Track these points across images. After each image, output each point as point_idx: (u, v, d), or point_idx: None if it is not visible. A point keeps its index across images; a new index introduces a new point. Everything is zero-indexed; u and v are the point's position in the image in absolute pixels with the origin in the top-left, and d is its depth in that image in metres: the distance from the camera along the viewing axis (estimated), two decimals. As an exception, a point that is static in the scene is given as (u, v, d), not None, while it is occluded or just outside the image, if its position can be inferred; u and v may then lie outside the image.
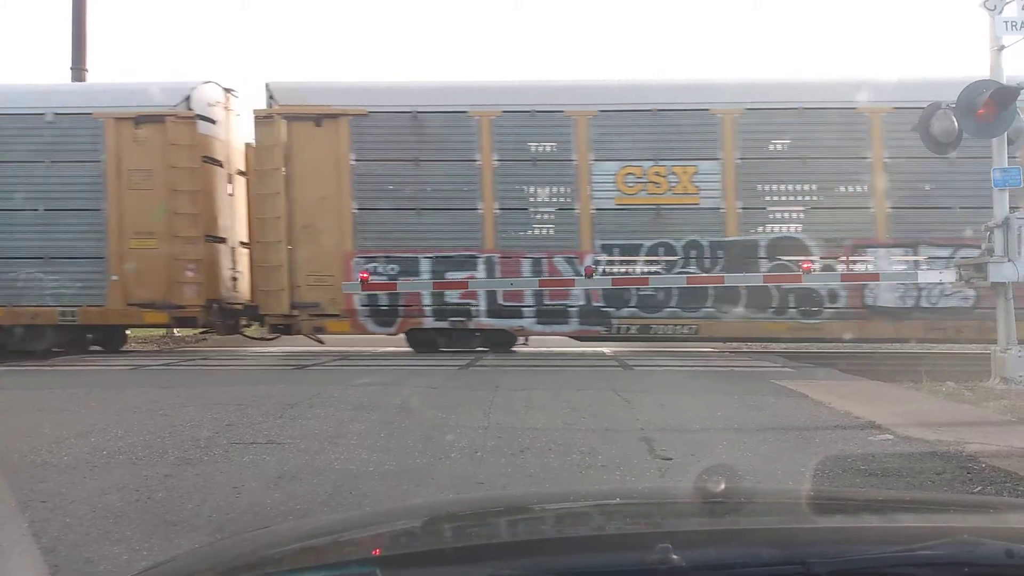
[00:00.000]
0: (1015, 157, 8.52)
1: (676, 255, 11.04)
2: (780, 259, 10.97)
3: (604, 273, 10.91)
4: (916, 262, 10.82)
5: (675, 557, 1.12)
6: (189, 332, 14.28)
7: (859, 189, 10.98)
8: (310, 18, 50.56)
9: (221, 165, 11.98)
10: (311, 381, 8.39)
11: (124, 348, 12.98)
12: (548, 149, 11.14)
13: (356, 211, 11.17)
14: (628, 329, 11.27)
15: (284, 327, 11.54)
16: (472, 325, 11.34)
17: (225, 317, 12.04)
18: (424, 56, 49.96)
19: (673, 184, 11.07)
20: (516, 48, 50.64)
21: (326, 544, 1.51)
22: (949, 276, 9.14)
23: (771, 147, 11.03)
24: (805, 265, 10.09)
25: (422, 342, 11.60)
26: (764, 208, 11.03)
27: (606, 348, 12.50)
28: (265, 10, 50.96)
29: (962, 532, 1.28)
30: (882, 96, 10.91)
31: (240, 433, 5.31)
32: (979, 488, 3.96)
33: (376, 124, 11.20)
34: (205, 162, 11.56)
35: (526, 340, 11.95)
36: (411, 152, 11.15)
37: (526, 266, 11.17)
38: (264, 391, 7.27)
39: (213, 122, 11.76)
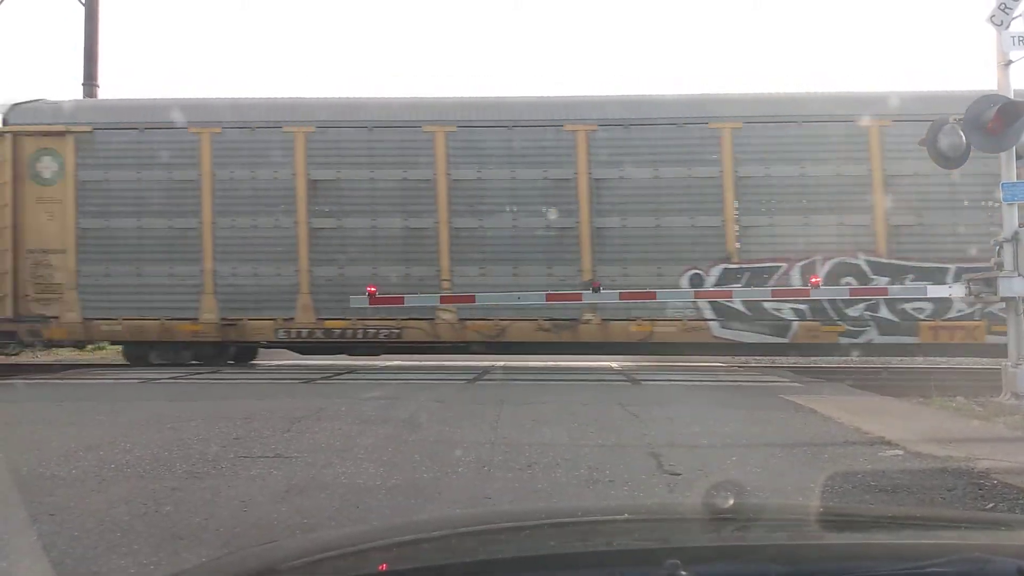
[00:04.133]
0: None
1: None
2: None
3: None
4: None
5: (684, 573, 1.11)
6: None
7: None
8: (311, 26, 51.00)
9: None
10: (318, 395, 8.39)
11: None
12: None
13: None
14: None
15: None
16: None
17: None
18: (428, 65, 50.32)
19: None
20: (516, 57, 50.94)
21: (333, 559, 1.51)
22: (959, 291, 9.09)
23: None
24: (813, 279, 10.06)
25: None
26: None
27: (614, 362, 12.48)
28: (271, 19, 51.43)
29: (973, 549, 1.28)
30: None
31: (247, 447, 5.32)
32: (991, 505, 3.92)
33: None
34: None
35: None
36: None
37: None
38: (272, 405, 7.28)
39: None
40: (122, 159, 11.59)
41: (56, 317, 11.55)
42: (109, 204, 11.56)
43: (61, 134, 11.56)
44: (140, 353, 11.86)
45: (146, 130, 11.59)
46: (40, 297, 11.59)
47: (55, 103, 12.13)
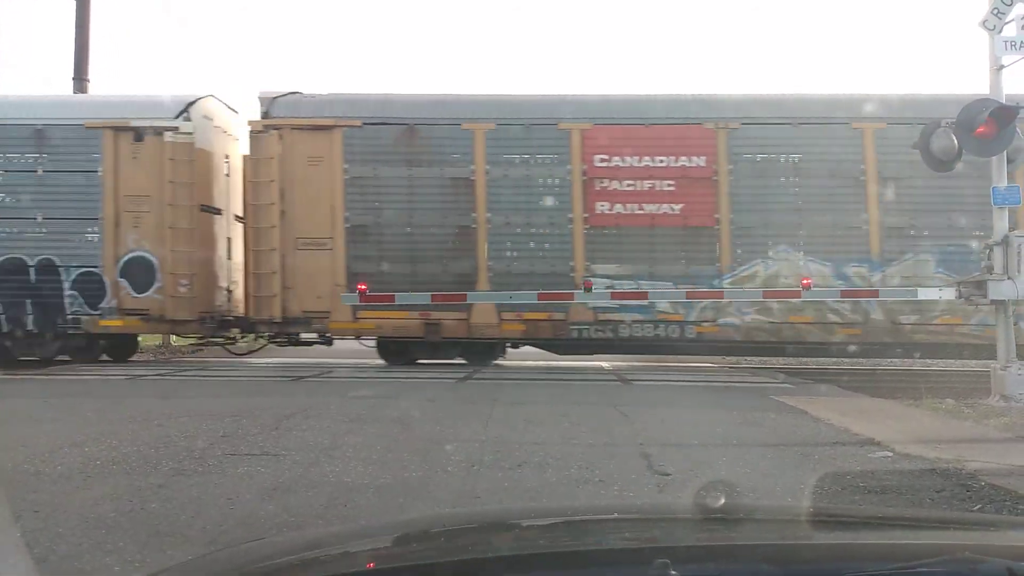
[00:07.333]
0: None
1: None
2: None
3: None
4: None
5: (673, 573, 1.10)
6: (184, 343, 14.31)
7: None
8: (306, 26, 50.90)
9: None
10: (307, 392, 8.36)
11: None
12: None
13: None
14: None
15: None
16: None
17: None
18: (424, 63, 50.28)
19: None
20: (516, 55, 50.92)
21: (320, 557, 1.49)
22: (949, 294, 9.13)
23: None
24: (805, 281, 10.09)
25: None
26: None
27: (605, 363, 12.48)
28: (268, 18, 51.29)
29: (963, 550, 1.27)
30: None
31: (235, 444, 5.28)
32: (979, 506, 3.93)
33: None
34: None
35: None
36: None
37: None
38: (260, 402, 7.24)
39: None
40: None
41: None
42: None
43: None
44: None
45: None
46: None
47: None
